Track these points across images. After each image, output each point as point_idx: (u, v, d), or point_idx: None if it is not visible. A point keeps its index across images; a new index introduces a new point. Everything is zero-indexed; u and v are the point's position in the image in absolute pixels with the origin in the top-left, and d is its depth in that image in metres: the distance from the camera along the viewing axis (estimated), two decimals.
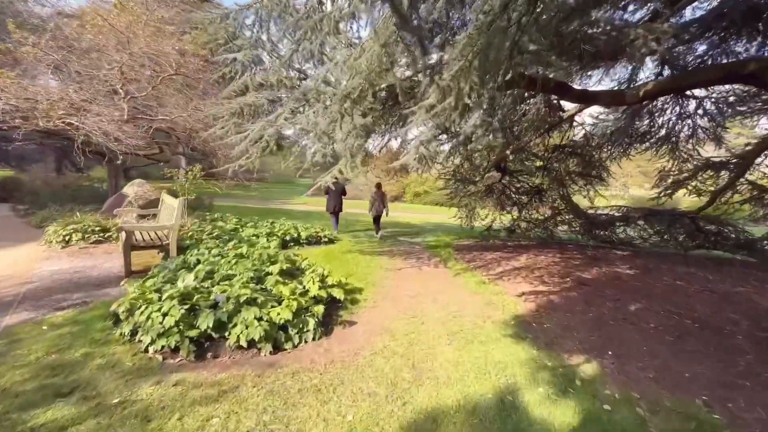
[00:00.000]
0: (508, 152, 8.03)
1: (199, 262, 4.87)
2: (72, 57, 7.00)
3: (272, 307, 3.58)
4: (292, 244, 7.82)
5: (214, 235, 6.46)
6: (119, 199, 8.58)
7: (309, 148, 5.21)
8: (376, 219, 10.23)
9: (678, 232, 8.65)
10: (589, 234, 9.64)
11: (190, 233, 6.10)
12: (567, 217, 9.75)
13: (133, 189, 8.33)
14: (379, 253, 8.17)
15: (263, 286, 4.03)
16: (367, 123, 4.89)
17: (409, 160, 4.39)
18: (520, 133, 7.84)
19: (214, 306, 3.48)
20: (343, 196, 10.28)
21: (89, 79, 7.17)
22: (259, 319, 3.36)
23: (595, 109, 9.46)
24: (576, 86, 6.71)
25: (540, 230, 10.28)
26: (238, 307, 3.44)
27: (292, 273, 4.73)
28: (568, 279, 6.45)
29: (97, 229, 6.82)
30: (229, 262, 4.50)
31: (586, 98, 6.11)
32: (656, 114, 8.75)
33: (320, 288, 4.33)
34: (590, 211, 9.37)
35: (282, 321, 3.45)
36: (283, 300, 3.72)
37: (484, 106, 4.02)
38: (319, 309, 3.71)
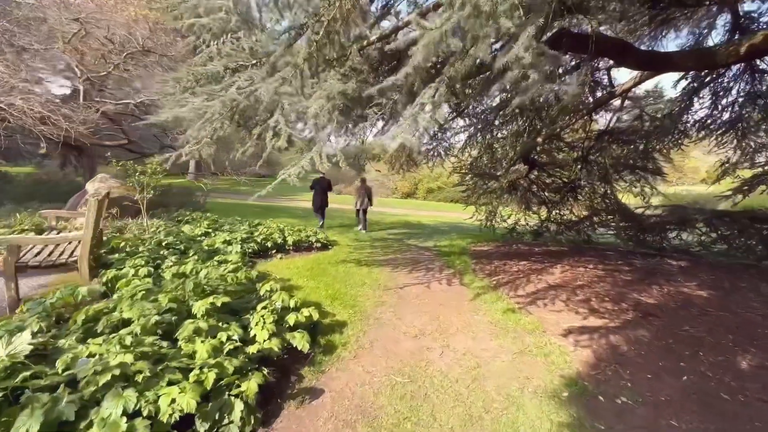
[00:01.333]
0: (539, 140, 6.33)
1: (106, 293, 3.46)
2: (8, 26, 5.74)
3: (169, 384, 2.08)
4: (274, 251, 6.34)
5: (166, 243, 5.05)
6: (82, 197, 7.28)
7: (271, 128, 3.68)
8: (360, 213, 9.90)
9: (753, 238, 6.80)
10: (636, 239, 7.84)
11: (123, 243, 4.71)
12: (607, 218, 7.97)
13: (93, 185, 7.03)
14: (380, 263, 6.61)
15: (178, 336, 2.54)
16: (348, 91, 3.31)
17: (412, 143, 2.84)
18: (555, 117, 6.12)
19: (70, 386, 2.00)
20: (328, 192, 9.79)
21: (32, 55, 5.88)
22: (132, 415, 1.86)
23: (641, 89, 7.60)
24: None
25: (573, 233, 8.53)
26: (101, 390, 1.95)
27: (240, 307, 3.23)
28: (625, 305, 4.75)
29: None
30: (142, 292, 3.02)
31: (654, 62, 4.38)
32: (720, 94, 6.90)
33: (273, 334, 2.80)
34: (637, 211, 7.57)
35: (179, 413, 1.95)
36: (196, 367, 2.22)
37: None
38: (251, 387, 2.17)
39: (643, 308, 4.58)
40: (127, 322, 2.55)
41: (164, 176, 6.55)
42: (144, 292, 2.88)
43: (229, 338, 2.58)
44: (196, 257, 4.57)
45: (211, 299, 2.84)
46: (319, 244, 7.20)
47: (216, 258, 4.56)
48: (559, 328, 4.02)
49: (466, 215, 9.55)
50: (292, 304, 3.44)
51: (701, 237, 7.38)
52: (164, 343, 2.37)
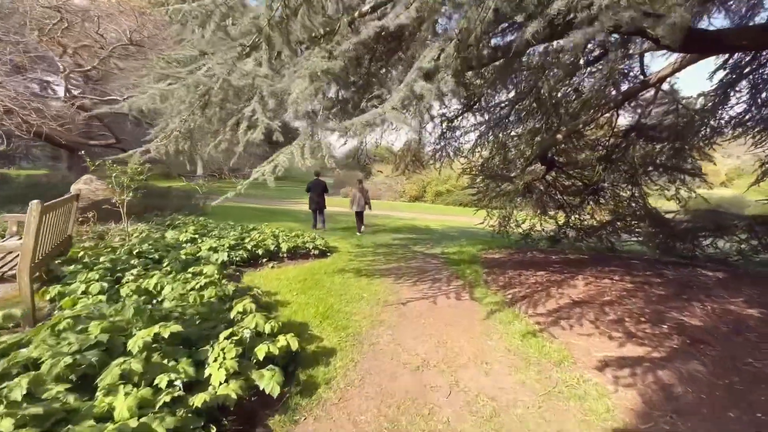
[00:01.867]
0: (559, 137, 5.62)
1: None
2: None
3: None
4: (265, 260, 5.74)
5: (138, 252, 4.46)
6: None
7: (246, 117, 3.07)
8: (359, 214, 9.60)
9: None
10: (665, 246, 7.06)
11: (82, 253, 4.14)
12: (632, 223, 7.20)
13: (77, 187, 6.55)
14: (382, 272, 5.96)
15: (99, 383, 1.93)
16: (335, 69, 2.68)
17: (400, 120, 2.24)
18: (578, 112, 5.42)
19: None
20: (325, 193, 9.58)
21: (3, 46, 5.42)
22: None
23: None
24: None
25: (594, 240, 7.77)
26: None
27: (199, 336, 2.61)
28: (665, 327, 4.01)
29: None
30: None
31: (702, 42, 3.67)
32: (760, 86, 6.13)
33: (234, 374, 2.18)
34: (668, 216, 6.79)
35: None
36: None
37: None
38: None
39: (689, 333, 3.84)
40: (39, 363, 1.96)
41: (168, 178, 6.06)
42: (69, 320, 2.27)
43: (170, 383, 1.96)
44: (169, 268, 3.99)
45: (156, 328, 2.23)
46: (316, 251, 6.58)
47: (191, 270, 3.97)
48: (591, 358, 3.32)
49: (476, 220, 8.86)
50: (267, 329, 2.81)
51: (740, 245, 6.58)
52: (71, 398, 1.75)
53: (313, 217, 9.85)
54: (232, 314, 2.97)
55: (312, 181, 9.66)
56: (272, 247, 6.04)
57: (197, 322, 2.74)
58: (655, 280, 5.85)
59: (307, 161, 2.61)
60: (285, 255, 6.18)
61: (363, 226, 9.84)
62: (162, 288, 3.33)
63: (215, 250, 5.31)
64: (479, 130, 7.84)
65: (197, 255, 4.94)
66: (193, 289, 3.41)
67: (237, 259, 5.34)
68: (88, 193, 6.33)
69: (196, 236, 5.77)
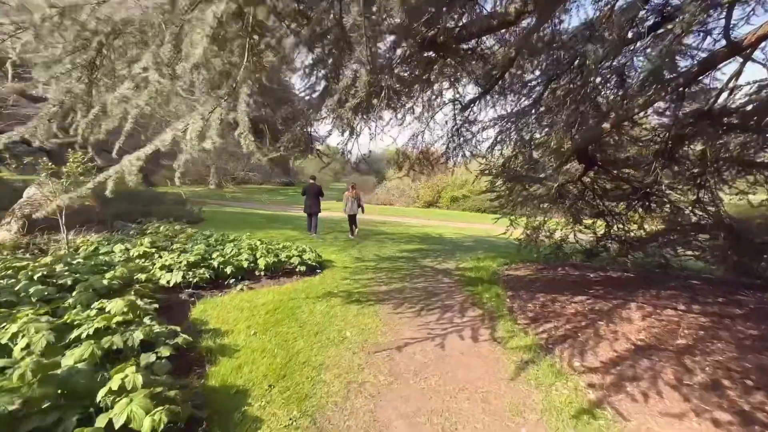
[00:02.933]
0: (606, 126, 4.28)
1: None
2: None
3: None
4: (234, 280, 4.59)
5: (42, 276, 3.34)
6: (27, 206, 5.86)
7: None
8: (352, 218, 9.44)
9: None
10: (737, 264, 5.57)
11: None
12: (692, 234, 5.73)
13: (29, 192, 5.61)
14: (379, 296, 4.71)
15: None
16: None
17: None
18: (637, 91, 4.06)
19: None
20: (320, 198, 9.37)
21: None
22: None
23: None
24: None
25: (639, 254, 6.31)
26: None
27: None
28: None
29: None
30: None
31: None
32: None
33: None
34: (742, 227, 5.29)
35: None
36: None
37: None
38: None
39: None
40: None
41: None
42: None
43: None
44: (71, 301, 2.87)
45: None
46: (303, 268, 5.39)
47: (97, 304, 2.83)
48: None
49: (495, 227, 7.53)
50: (147, 427, 1.62)
51: None
52: None
53: (308, 221, 9.62)
54: (102, 393, 1.79)
55: (307, 184, 9.47)
56: (247, 264, 4.89)
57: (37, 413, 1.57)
58: (734, 310, 4.42)
59: (193, 147, 1.42)
60: (263, 272, 5.02)
61: (356, 230, 9.71)
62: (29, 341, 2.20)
63: (169, 268, 4.19)
64: (499, 125, 6.57)
65: (135, 278, 3.83)
66: (78, 339, 2.27)
67: (196, 280, 4.21)
68: (33, 200, 5.37)
69: (153, 250, 4.69)
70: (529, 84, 5.06)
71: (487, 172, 6.67)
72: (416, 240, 10.02)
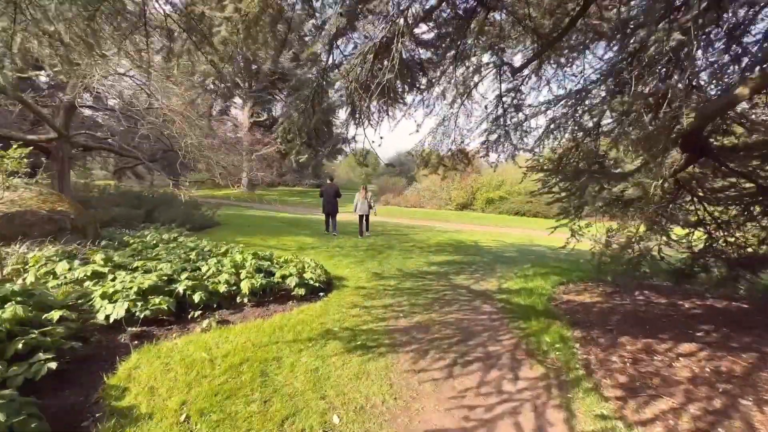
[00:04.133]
0: (744, 91, 2.71)
1: None
2: None
3: None
4: (200, 312, 3.44)
5: None
6: None
7: None
8: (362, 218, 9.40)
9: None
10: None
11: None
12: None
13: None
14: (395, 338, 3.37)
15: None
16: None
17: None
18: None
19: None
20: (338, 198, 9.39)
21: None
22: None
23: None
24: None
25: (758, 277, 4.54)
26: None
27: None
28: None
29: None
30: None
31: None
32: None
33: None
34: None
35: None
36: None
37: None
38: None
39: None
40: None
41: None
42: None
43: None
44: None
45: None
46: (302, 291, 4.17)
47: None
48: None
49: (538, 233, 5.95)
50: None
51: None
52: None
53: (325, 221, 9.67)
54: None
55: (325, 185, 9.56)
56: (225, 288, 3.74)
57: None
58: None
59: None
60: (247, 299, 3.84)
61: (367, 231, 9.63)
62: None
63: (111, 298, 3.10)
64: (553, 111, 5.12)
65: (62, 313, 2.75)
66: None
67: (146, 313, 3.09)
68: (10, 203, 4.55)
69: (106, 269, 3.65)
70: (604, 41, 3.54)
71: (539, 168, 5.18)
72: (448, 249, 8.58)
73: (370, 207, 9.39)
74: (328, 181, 9.59)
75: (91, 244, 5.11)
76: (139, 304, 3.09)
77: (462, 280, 5.72)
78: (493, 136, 5.18)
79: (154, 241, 5.41)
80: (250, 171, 28.66)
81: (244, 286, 3.82)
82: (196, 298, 3.43)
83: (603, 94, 4.44)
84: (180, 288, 3.45)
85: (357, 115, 5.22)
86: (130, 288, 3.20)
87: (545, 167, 5.08)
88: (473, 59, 5.01)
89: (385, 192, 24.21)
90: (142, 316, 3.07)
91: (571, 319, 4.10)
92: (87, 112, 9.51)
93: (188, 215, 8.84)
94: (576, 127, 4.82)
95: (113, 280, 3.49)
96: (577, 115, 4.73)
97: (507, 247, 9.55)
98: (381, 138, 3.69)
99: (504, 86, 5.03)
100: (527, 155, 5.50)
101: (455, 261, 7.21)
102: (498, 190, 20.26)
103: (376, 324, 3.69)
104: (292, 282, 4.19)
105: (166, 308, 3.20)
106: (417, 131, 4.71)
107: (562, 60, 4.91)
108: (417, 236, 10.46)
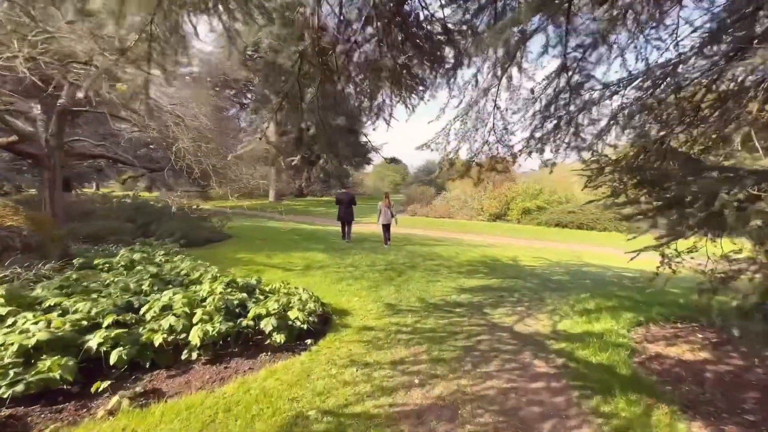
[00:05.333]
0: None
1: None
2: None
3: None
4: (126, 376, 2.36)
5: None
6: None
7: None
8: (385, 227, 9.07)
9: None
10: None
11: None
12: None
13: None
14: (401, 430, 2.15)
15: None
16: None
17: None
18: None
19: None
20: (354, 206, 9.34)
21: None
22: None
23: None
24: None
25: None
26: None
27: None
28: None
29: None
30: None
31: None
32: None
33: None
34: None
35: None
36: None
37: None
38: None
39: None
40: None
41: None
42: None
43: None
44: None
45: None
46: (281, 337, 2.99)
47: None
48: None
49: (585, 247, 4.48)
50: None
51: None
52: None
53: (341, 229, 9.66)
54: None
55: (341, 192, 9.76)
56: (166, 338, 2.63)
57: None
58: None
59: None
60: (196, 354, 2.72)
61: (389, 242, 9.18)
62: None
63: None
64: (623, 96, 3.81)
65: None
66: None
67: (20, 389, 2.02)
68: None
69: (5, 310, 2.65)
70: None
71: (610, 170, 3.79)
72: (482, 269, 7.17)
73: (392, 215, 9.01)
74: (343, 190, 10.12)
75: (56, 264, 4.25)
76: (12, 372, 2.03)
77: (502, 317, 4.34)
78: (549, 125, 3.84)
79: (123, 262, 4.47)
80: (276, 182, 28.46)
81: (194, 335, 2.70)
82: (114, 357, 2.34)
83: (704, 63, 3.06)
84: (93, 342, 2.37)
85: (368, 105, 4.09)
86: (11, 344, 2.15)
87: (620, 167, 3.66)
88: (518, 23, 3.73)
89: (413, 201, 22.88)
90: (17, 390, 2.00)
91: (679, 396, 2.64)
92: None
93: (191, 228, 8.02)
94: (664, 114, 3.46)
95: (14, 325, 2.47)
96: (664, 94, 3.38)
97: (552, 266, 7.98)
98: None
99: (561, 59, 3.70)
100: (585, 155, 4.10)
101: (491, 286, 5.81)
102: (536, 199, 18.42)
103: (375, 400, 2.43)
104: (267, 325, 3.03)
105: (58, 377, 2.11)
106: (438, 118, 3.46)
107: (643, 17, 3.52)
108: (445, 251, 9.10)
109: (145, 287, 3.45)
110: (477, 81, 3.94)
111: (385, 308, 4.43)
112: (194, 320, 2.84)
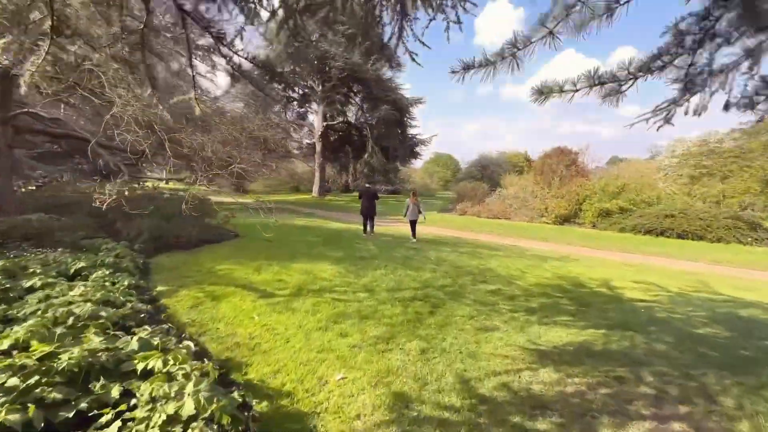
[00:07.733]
0: None
1: None
2: None
3: None
4: None
5: None
6: None
7: None
8: (413, 223, 9.27)
9: None
10: None
11: None
12: None
13: None
14: None
15: None
16: None
17: None
18: None
19: None
20: (376, 200, 9.60)
21: None
22: None
23: None
24: None
25: None
26: None
27: None
28: None
29: None
30: None
31: None
32: None
33: None
34: None
35: None
36: None
37: None
38: None
39: None
40: None
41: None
42: None
43: None
44: None
45: None
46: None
47: None
48: None
49: (707, 265, 2.31)
50: None
51: None
52: None
53: (363, 223, 9.69)
54: None
55: (363, 187, 10.42)
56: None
57: None
58: None
59: None
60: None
61: (415, 238, 9.24)
62: None
63: None
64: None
65: None
66: None
67: None
68: None
69: None
70: None
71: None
72: (563, 302, 4.59)
73: (419, 212, 9.27)
74: (366, 185, 10.46)
75: None
76: None
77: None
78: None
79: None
80: (320, 179, 27.17)
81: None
82: None
83: None
84: None
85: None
86: None
87: None
88: None
89: (463, 199, 20.08)
90: None
91: None
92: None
93: (180, 227, 6.38)
94: None
95: None
96: None
97: (676, 301, 5.11)
98: None
99: None
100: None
101: (590, 348, 3.28)
102: (617, 198, 14.81)
103: None
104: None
105: None
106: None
107: None
108: (503, 267, 6.55)
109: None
110: None
111: (389, 409, 2.19)
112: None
